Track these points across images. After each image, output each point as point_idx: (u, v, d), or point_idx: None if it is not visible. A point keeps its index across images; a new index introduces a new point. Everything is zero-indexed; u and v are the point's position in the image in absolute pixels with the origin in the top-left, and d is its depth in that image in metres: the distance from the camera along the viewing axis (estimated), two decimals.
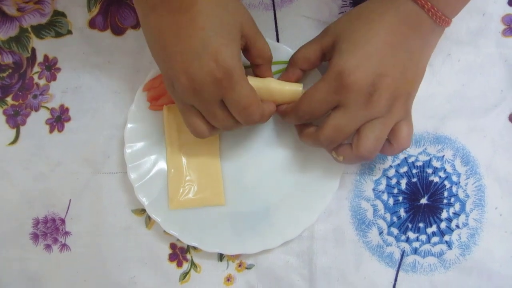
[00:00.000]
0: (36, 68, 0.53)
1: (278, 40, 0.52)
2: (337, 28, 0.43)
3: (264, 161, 0.50)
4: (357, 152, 0.41)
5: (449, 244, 0.49)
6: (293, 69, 0.46)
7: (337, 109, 0.41)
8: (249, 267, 0.50)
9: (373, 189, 0.50)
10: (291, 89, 0.45)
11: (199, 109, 0.41)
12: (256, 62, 0.45)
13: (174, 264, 0.51)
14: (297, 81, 0.47)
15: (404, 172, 0.50)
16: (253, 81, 0.44)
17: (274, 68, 0.49)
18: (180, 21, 0.37)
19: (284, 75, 0.47)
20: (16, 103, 0.52)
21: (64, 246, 0.51)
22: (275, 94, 0.45)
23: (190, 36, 0.37)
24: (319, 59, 0.45)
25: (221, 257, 0.50)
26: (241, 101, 0.40)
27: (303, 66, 0.46)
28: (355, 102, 0.39)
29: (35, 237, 0.52)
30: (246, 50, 0.44)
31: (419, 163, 0.50)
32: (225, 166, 0.50)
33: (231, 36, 0.39)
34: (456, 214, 0.49)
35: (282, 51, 0.49)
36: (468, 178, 0.50)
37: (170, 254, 0.51)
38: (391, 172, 0.50)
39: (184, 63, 0.38)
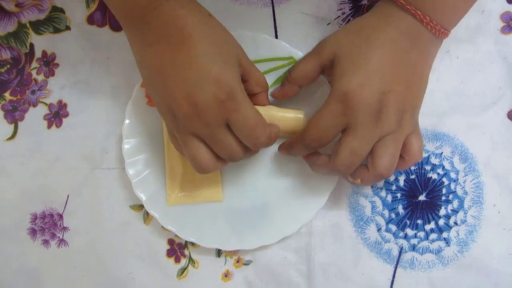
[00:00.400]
0: (35, 64, 0.53)
1: (276, 37, 0.52)
2: (335, 44, 0.42)
3: (262, 157, 0.50)
4: (374, 172, 0.40)
5: (447, 241, 0.49)
6: (291, 85, 0.46)
7: (347, 133, 0.40)
8: (247, 263, 0.50)
9: (372, 186, 0.50)
10: (294, 117, 0.45)
11: (203, 136, 0.40)
12: (255, 91, 0.44)
13: (172, 259, 0.51)
14: (293, 95, 0.46)
15: None
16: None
17: (273, 64, 0.49)
18: (179, 54, 0.38)
19: (281, 91, 0.47)
20: (14, 99, 0.52)
21: (62, 242, 0.51)
22: (276, 121, 0.44)
23: (190, 66, 0.38)
24: (318, 75, 0.45)
25: (219, 253, 0.50)
26: (247, 122, 0.39)
27: (301, 83, 0.45)
28: (364, 122, 0.39)
29: (33, 232, 0.52)
30: (245, 81, 0.43)
31: None
32: None
33: (229, 63, 0.39)
34: (455, 211, 0.49)
35: (281, 48, 0.49)
36: (467, 175, 0.50)
37: (168, 250, 0.51)
38: None
39: (185, 90, 0.38)
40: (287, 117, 0.45)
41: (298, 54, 0.49)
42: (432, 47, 0.42)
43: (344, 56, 0.40)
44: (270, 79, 0.50)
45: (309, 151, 0.43)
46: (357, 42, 0.40)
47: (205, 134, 0.39)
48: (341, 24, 0.51)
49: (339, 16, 0.51)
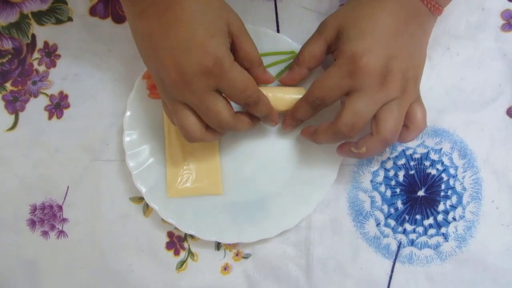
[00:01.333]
0: (36, 55, 0.52)
1: (278, 31, 0.52)
2: (338, 18, 0.43)
3: (263, 150, 0.50)
4: (379, 136, 0.40)
5: (445, 236, 0.49)
6: (300, 68, 0.46)
7: (352, 94, 0.40)
8: (246, 256, 0.50)
9: (371, 181, 0.50)
10: (295, 98, 0.45)
11: (191, 105, 0.40)
12: (243, 65, 0.43)
13: (171, 252, 0.51)
14: (303, 80, 0.47)
15: (402, 164, 0.50)
16: None
17: (275, 58, 0.49)
18: (167, 21, 0.38)
19: (290, 75, 0.47)
20: (15, 89, 0.52)
21: (61, 233, 0.51)
22: (277, 102, 0.45)
23: (177, 32, 0.38)
24: (325, 54, 0.45)
25: (218, 246, 0.50)
26: (236, 85, 0.39)
27: (310, 65, 0.46)
28: (370, 85, 0.39)
29: (32, 223, 0.52)
30: (233, 51, 0.42)
31: (417, 156, 0.50)
32: (223, 155, 0.50)
33: (217, 29, 0.39)
34: (453, 207, 0.50)
35: (283, 42, 0.49)
36: (466, 171, 0.50)
37: (167, 243, 0.51)
38: (389, 164, 0.50)
39: (172, 57, 0.38)
40: (288, 97, 0.45)
41: (299, 48, 0.49)
42: (428, 23, 0.43)
43: (349, 26, 0.41)
44: (272, 73, 0.50)
45: (313, 111, 0.44)
46: (360, 13, 0.41)
47: (193, 102, 0.40)
48: None
49: None
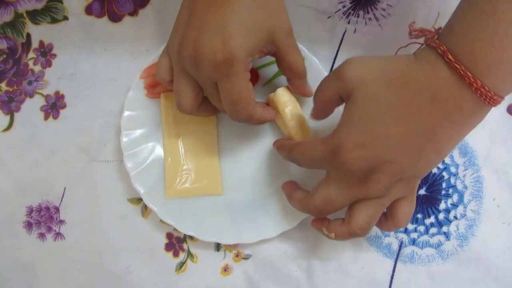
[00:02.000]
0: (31, 54, 0.52)
1: None
2: (359, 78, 0.35)
3: (263, 150, 0.50)
4: (348, 228, 0.38)
5: (447, 235, 0.49)
6: (317, 108, 0.42)
7: (329, 178, 0.38)
8: (246, 257, 0.50)
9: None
10: (298, 136, 0.44)
11: (198, 80, 0.40)
12: (285, 75, 0.43)
13: (170, 253, 0.50)
14: (324, 118, 0.43)
15: None
16: (281, 95, 0.44)
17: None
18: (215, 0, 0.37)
19: (313, 111, 0.42)
20: (11, 89, 0.51)
21: (58, 235, 0.51)
22: (287, 127, 0.45)
23: (216, 13, 0.37)
24: (339, 103, 0.39)
25: (218, 247, 0.50)
26: (232, 94, 0.39)
27: (325, 109, 0.41)
28: (348, 180, 0.36)
29: (28, 225, 0.51)
30: (278, 60, 0.42)
31: None
32: (223, 155, 0.50)
33: (251, 32, 0.37)
34: (454, 205, 0.49)
35: None
36: (466, 169, 0.50)
37: (166, 244, 0.50)
38: None
39: (198, 32, 0.37)
40: (292, 133, 0.44)
41: (299, 46, 0.48)
42: (474, 116, 0.34)
43: (360, 101, 0.35)
44: (271, 71, 0.50)
45: (290, 161, 0.42)
46: (380, 94, 0.34)
47: (198, 79, 0.40)
48: (342, 18, 0.51)
49: (339, 9, 0.51)
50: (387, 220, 0.40)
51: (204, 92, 0.41)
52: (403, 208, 0.39)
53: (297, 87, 0.44)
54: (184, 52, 0.38)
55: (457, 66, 0.32)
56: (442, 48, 0.33)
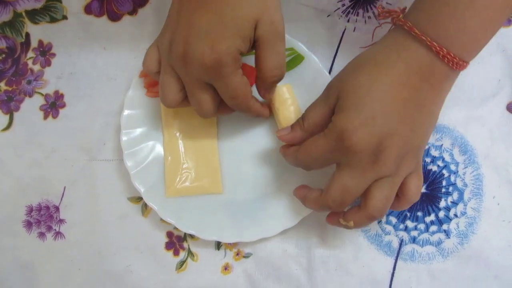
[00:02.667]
0: (31, 54, 0.52)
1: None
2: (339, 82, 0.39)
3: (263, 148, 0.50)
4: (366, 213, 0.39)
5: (447, 233, 0.49)
6: (303, 133, 0.42)
7: (340, 168, 0.38)
8: (246, 256, 0.50)
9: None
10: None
11: (183, 79, 0.40)
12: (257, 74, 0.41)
13: (170, 252, 0.50)
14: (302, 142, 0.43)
15: None
16: (281, 93, 0.46)
17: None
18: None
19: (291, 135, 0.43)
20: (10, 89, 0.51)
21: (58, 234, 0.50)
22: (280, 117, 0.46)
23: (201, 16, 0.37)
24: (329, 119, 0.40)
25: (218, 245, 0.50)
26: (228, 91, 0.39)
27: (314, 131, 0.41)
28: (359, 163, 0.37)
29: (28, 225, 0.51)
30: (255, 55, 0.40)
31: None
32: (223, 153, 0.50)
33: (237, 30, 0.37)
34: (454, 203, 0.49)
35: None
36: (466, 167, 0.50)
37: (166, 243, 0.50)
38: None
39: (187, 32, 0.38)
40: (282, 124, 0.46)
41: (299, 45, 0.49)
42: (446, 81, 0.38)
43: (346, 94, 0.38)
44: None
45: (298, 166, 0.43)
46: (360, 79, 0.38)
47: (184, 79, 0.40)
48: (341, 16, 0.51)
49: (339, 8, 0.51)
50: (399, 199, 0.41)
51: (186, 90, 0.41)
52: (413, 182, 0.40)
53: (259, 91, 0.43)
54: (174, 51, 0.39)
55: (424, 38, 0.36)
56: (408, 25, 0.37)
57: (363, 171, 0.37)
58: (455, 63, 0.36)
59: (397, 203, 0.41)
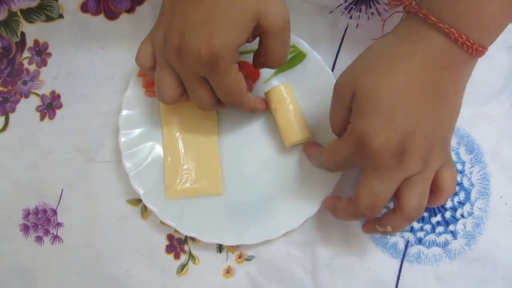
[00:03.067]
0: (26, 53, 0.51)
1: None
2: (352, 81, 0.37)
3: (264, 148, 0.49)
4: (403, 215, 0.37)
5: (454, 234, 0.48)
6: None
7: (367, 173, 0.37)
8: (249, 259, 0.49)
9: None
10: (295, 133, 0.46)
11: (179, 74, 0.40)
12: (254, 63, 0.42)
13: (171, 256, 0.49)
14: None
15: None
16: (280, 92, 0.46)
17: None
18: None
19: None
20: (5, 90, 0.50)
21: (56, 238, 0.49)
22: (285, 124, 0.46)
23: (196, 9, 0.36)
24: (349, 118, 0.38)
25: (220, 248, 0.49)
26: (222, 87, 0.39)
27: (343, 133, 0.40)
28: (384, 166, 0.35)
29: (25, 228, 0.50)
30: (260, 42, 0.40)
31: None
32: (223, 154, 0.49)
33: (234, 23, 0.36)
34: (461, 203, 0.48)
35: None
36: (473, 166, 0.49)
37: (167, 246, 0.49)
38: None
39: (182, 28, 0.37)
40: (292, 127, 0.46)
41: (301, 42, 0.48)
42: (466, 67, 0.37)
43: (363, 94, 0.36)
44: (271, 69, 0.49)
45: (322, 169, 0.43)
46: (377, 77, 0.36)
47: (181, 74, 0.39)
48: (344, 13, 0.50)
49: (341, 4, 0.50)
50: (435, 194, 0.39)
51: (184, 84, 0.40)
52: (446, 174, 0.38)
53: (259, 66, 0.42)
54: (169, 45, 0.38)
55: (441, 25, 0.34)
56: (423, 12, 0.35)
57: (390, 173, 0.36)
58: (475, 49, 0.35)
59: (434, 198, 0.39)
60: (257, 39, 0.40)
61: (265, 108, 0.45)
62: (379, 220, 0.40)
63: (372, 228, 0.41)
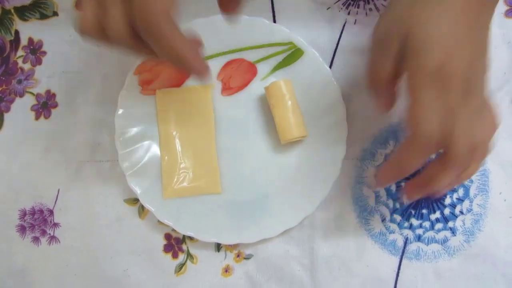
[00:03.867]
0: (20, 52, 0.50)
1: (275, 21, 0.50)
2: (399, 25, 0.35)
3: (262, 147, 0.48)
4: (466, 142, 0.35)
5: (453, 231, 0.48)
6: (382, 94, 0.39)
7: (449, 113, 0.34)
8: (247, 257, 0.48)
9: (375, 175, 0.49)
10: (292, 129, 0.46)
11: None
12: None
13: (169, 255, 0.49)
14: (392, 106, 0.40)
15: None
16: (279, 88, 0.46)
17: (272, 50, 0.48)
18: None
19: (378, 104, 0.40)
20: (0, 89, 0.50)
21: (52, 239, 0.49)
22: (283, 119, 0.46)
23: None
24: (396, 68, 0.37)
25: (218, 247, 0.49)
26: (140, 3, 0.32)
27: (390, 90, 0.38)
28: (463, 95, 0.34)
29: (22, 229, 0.49)
30: None
31: None
32: (221, 152, 0.48)
33: None
34: (460, 200, 0.48)
35: (280, 33, 0.47)
36: None
37: (165, 245, 0.49)
38: None
39: None
40: (288, 125, 0.46)
41: (298, 39, 0.47)
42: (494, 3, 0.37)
43: (416, 34, 0.34)
44: (269, 65, 0.48)
45: (422, 157, 0.36)
46: (425, 15, 0.34)
47: None
48: (342, 9, 0.50)
49: (339, 0, 0.50)
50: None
51: (100, 9, 0.34)
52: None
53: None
54: None
55: None
56: None
57: (469, 103, 0.34)
58: None
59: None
60: None
61: (208, 75, 0.36)
62: (444, 171, 0.36)
63: (442, 185, 0.37)
